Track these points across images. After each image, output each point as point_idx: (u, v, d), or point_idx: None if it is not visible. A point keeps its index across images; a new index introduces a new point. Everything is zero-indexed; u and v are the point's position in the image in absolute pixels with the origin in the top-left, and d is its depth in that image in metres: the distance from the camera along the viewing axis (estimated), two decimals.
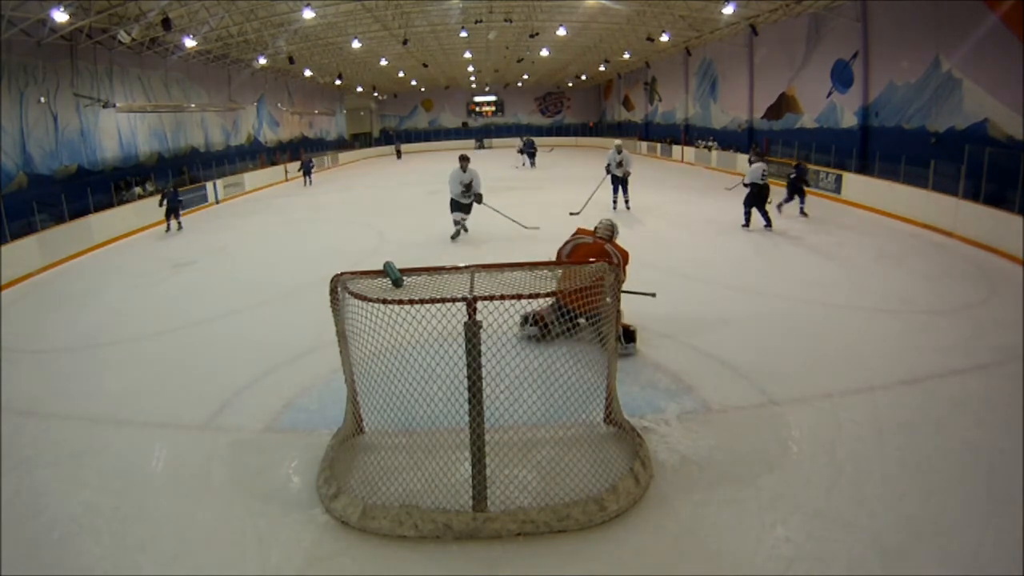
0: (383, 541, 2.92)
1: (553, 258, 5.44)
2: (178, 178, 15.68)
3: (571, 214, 10.78)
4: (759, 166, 10.07)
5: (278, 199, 17.67)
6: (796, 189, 11.25)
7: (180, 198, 12.96)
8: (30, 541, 3.04)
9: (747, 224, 10.10)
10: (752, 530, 2.91)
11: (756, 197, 9.95)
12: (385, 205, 15.14)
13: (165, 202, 12.54)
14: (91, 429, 4.19)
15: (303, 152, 26.28)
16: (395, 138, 38.65)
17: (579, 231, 5.59)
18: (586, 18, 19.95)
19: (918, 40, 12.12)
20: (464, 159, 9.44)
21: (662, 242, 9.37)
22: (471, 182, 9.43)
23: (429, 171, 22.30)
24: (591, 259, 4.98)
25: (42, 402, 4.67)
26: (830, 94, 15.47)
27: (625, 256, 5.28)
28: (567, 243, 5.45)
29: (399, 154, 34.41)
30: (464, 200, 9.50)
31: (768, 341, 5.29)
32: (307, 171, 21.86)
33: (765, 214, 10.01)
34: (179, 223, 12.96)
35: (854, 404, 4.10)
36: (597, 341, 3.73)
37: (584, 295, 3.42)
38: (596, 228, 5.57)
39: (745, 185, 10.11)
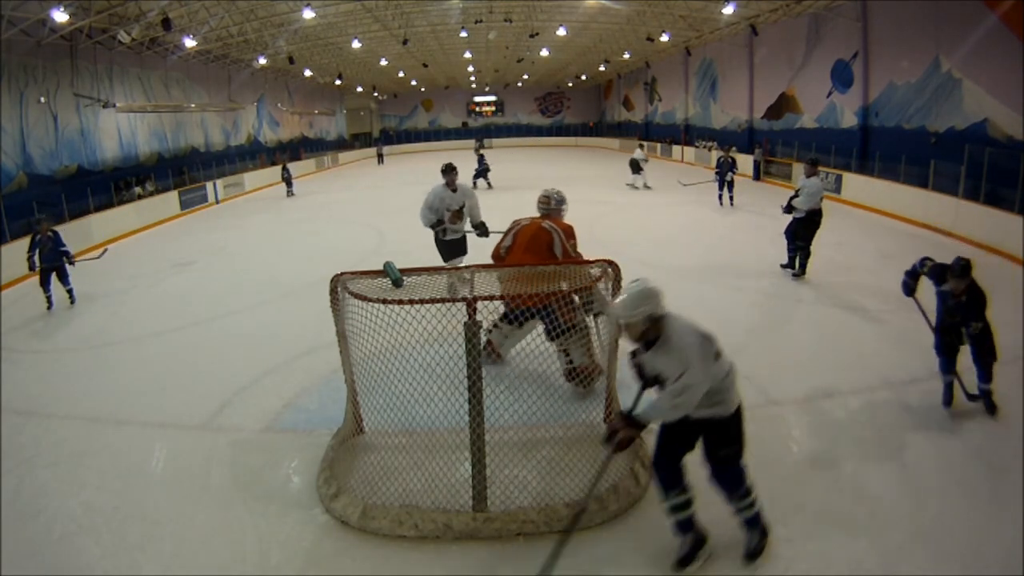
0: (383, 541, 2.92)
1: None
2: (45, 215, 8.24)
3: None
4: (818, 184, 7.07)
5: (278, 200, 17.66)
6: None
7: (66, 247, 7.26)
8: (30, 541, 3.04)
9: (797, 267, 7.18)
10: None
11: (812, 227, 7.02)
12: (385, 205, 15.14)
13: (36, 253, 7.08)
14: (91, 429, 4.19)
15: (280, 156, 24.05)
16: (377, 140, 35.09)
17: (515, 220, 4.64)
18: (586, 18, 19.96)
19: (918, 40, 12.12)
20: (450, 170, 5.96)
21: (662, 242, 9.37)
22: (463, 206, 5.95)
23: (429, 171, 22.30)
24: (533, 246, 4.34)
25: (42, 402, 4.67)
26: (830, 94, 15.47)
27: (567, 230, 4.42)
28: (507, 233, 4.53)
29: (381, 158, 30.19)
30: (453, 236, 5.99)
31: (768, 341, 5.29)
32: (288, 180, 18.39)
33: (807, 252, 7.10)
34: (69, 293, 7.40)
35: (854, 404, 4.10)
36: (558, 343, 3.59)
37: (532, 290, 3.25)
38: (538, 202, 4.68)
39: (790, 209, 7.08)
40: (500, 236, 4.61)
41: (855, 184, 12.87)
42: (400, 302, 3.05)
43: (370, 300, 3.13)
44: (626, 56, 26.14)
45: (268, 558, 2.86)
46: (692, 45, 22.41)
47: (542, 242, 4.30)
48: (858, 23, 13.92)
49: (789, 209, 7.15)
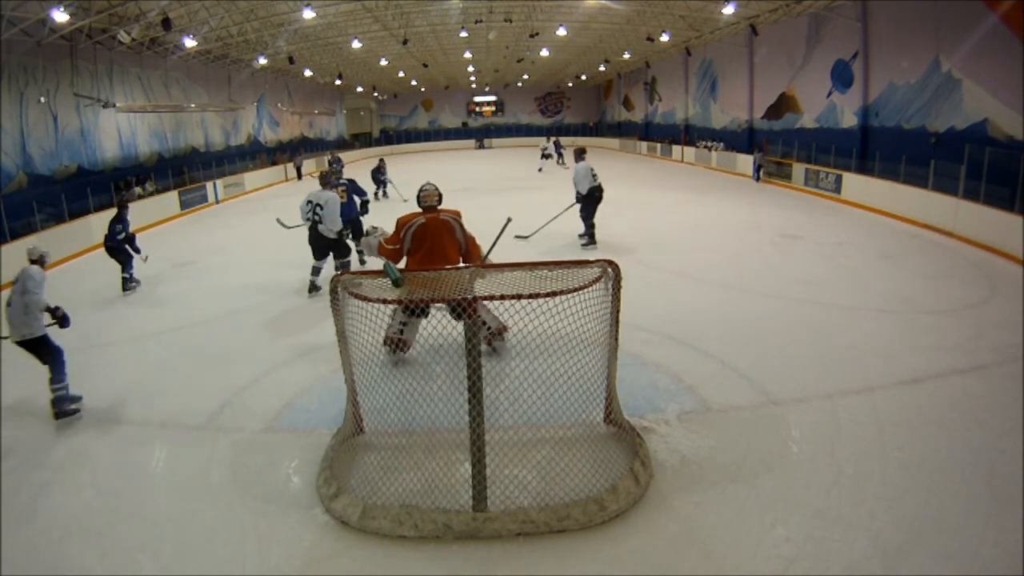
0: (383, 541, 2.92)
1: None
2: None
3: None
4: (586, 167, 8.44)
5: (278, 199, 17.64)
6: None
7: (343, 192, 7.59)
8: (30, 541, 3.04)
9: (593, 241, 8.67)
10: (752, 530, 2.90)
11: (590, 202, 8.48)
12: (384, 205, 15.12)
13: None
14: (91, 429, 4.19)
15: (332, 151, 24.27)
16: (291, 149, 26.52)
17: (400, 221, 4.75)
18: (586, 18, 19.96)
19: (918, 40, 12.13)
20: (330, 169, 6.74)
21: (662, 242, 9.37)
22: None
23: (427, 171, 22.30)
24: (445, 241, 4.62)
25: (42, 402, 4.65)
26: (830, 94, 15.47)
27: (458, 215, 4.78)
28: (403, 233, 4.67)
29: (299, 173, 23.23)
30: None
31: (768, 341, 5.29)
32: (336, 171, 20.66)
33: (590, 225, 8.63)
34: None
35: (854, 404, 4.10)
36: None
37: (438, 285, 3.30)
38: (423, 198, 4.78)
39: (580, 199, 8.54)
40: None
41: (855, 184, 12.87)
42: (400, 302, 3.05)
43: (370, 300, 3.13)
44: (626, 56, 26.15)
45: (268, 558, 2.85)
46: (692, 45, 22.41)
47: (450, 232, 4.67)
48: (858, 23, 13.93)
49: (578, 197, 8.55)
